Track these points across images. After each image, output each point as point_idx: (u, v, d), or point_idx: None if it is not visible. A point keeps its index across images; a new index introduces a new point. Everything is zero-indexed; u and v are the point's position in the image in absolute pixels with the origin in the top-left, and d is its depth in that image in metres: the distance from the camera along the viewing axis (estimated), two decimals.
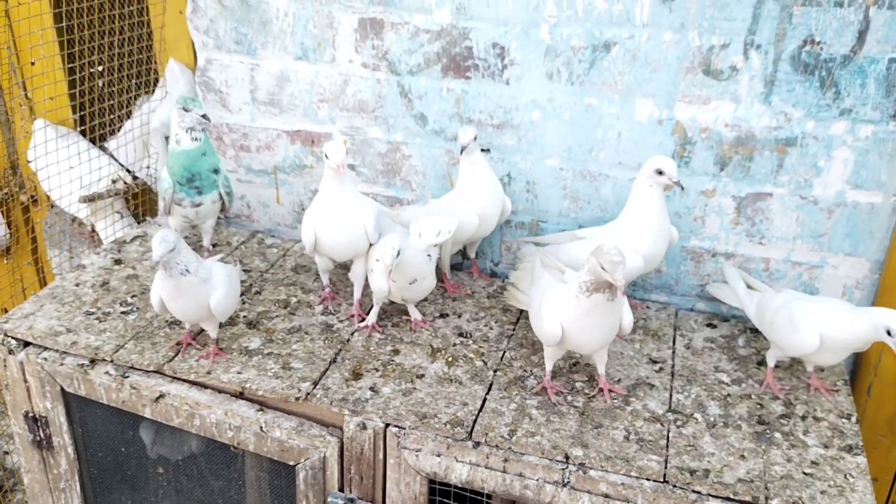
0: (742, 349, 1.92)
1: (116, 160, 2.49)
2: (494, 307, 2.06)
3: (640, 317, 2.02)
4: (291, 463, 1.73)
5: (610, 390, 1.73)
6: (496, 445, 1.59)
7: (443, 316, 2.00)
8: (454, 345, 1.89)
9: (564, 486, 1.54)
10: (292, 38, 2.17)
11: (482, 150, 2.12)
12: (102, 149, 2.51)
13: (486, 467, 1.58)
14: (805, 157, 1.87)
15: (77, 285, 2.09)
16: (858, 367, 1.99)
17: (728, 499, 1.48)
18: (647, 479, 1.51)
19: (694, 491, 1.49)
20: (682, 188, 1.85)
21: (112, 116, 2.47)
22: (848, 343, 1.64)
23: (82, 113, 2.40)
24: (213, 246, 2.26)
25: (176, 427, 1.79)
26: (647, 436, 1.61)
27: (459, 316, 2.01)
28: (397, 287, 1.83)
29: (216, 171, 2.04)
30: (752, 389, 1.76)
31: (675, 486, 1.50)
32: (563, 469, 1.54)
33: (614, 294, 1.55)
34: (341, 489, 1.73)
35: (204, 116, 1.95)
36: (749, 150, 1.91)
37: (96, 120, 2.41)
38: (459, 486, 1.62)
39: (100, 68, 2.31)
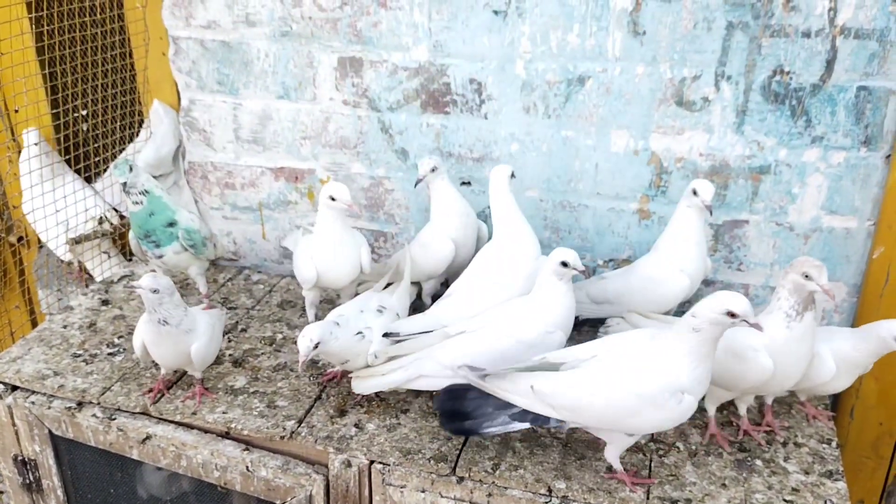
0: None
1: (104, 200, 2.51)
2: None
3: None
4: (278, 502, 1.74)
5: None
6: (479, 480, 1.60)
7: None
8: None
9: None
10: (273, 78, 2.20)
11: (463, 182, 2.15)
12: (92, 189, 2.53)
13: (470, 502, 1.60)
14: (779, 185, 1.90)
15: (65, 327, 2.11)
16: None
17: None
18: None
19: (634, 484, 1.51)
20: (711, 213, 1.79)
21: (98, 158, 2.49)
22: (859, 362, 1.67)
23: (68, 157, 2.43)
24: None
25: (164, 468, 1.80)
26: (630, 466, 1.62)
27: None
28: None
29: (172, 225, 2.03)
30: (733, 416, 1.78)
31: None
32: (547, 502, 1.55)
33: (816, 308, 1.54)
34: None
35: (122, 185, 1.94)
36: (724, 178, 1.93)
37: (81, 163, 2.43)
38: None
39: (84, 112, 2.33)
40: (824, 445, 1.69)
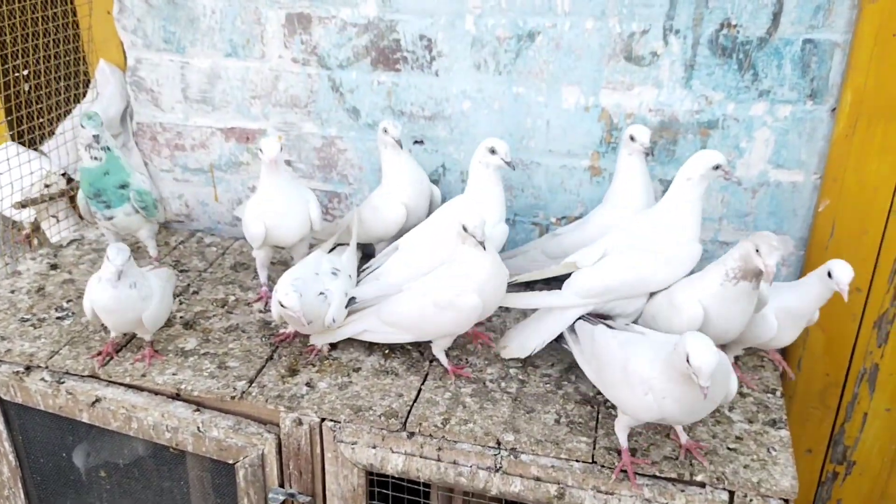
0: None
1: (50, 162, 2.45)
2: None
3: None
4: (231, 461, 1.74)
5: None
6: (430, 435, 1.61)
7: None
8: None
9: (497, 471, 1.57)
10: (221, 35, 2.16)
11: (416, 141, 2.13)
12: (39, 152, 2.47)
13: (420, 457, 1.61)
14: (727, 139, 1.91)
15: (12, 292, 2.07)
16: None
17: (654, 476, 1.52)
18: (577, 461, 1.55)
19: (621, 470, 1.53)
20: (651, 154, 1.82)
21: (43, 119, 2.44)
22: (805, 313, 1.70)
23: (9, 118, 2.37)
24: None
25: (114, 431, 1.79)
26: (578, 418, 1.64)
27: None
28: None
29: (124, 187, 2.00)
30: None
31: (602, 467, 1.54)
32: (496, 455, 1.57)
33: (757, 282, 1.55)
34: (281, 485, 1.74)
35: (95, 137, 1.92)
36: (673, 133, 1.94)
37: (25, 124, 2.37)
38: (396, 476, 1.64)
39: (25, 72, 2.27)
40: (769, 395, 1.73)
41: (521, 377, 1.77)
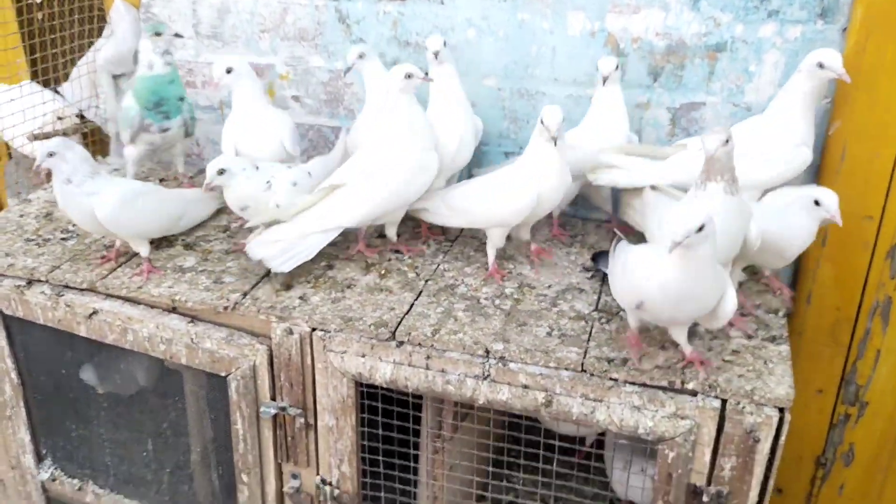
0: None
1: (64, 101, 2.49)
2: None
3: (578, 232, 2.02)
4: (223, 374, 1.74)
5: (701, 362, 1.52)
6: (419, 343, 1.59)
7: (381, 236, 2.00)
8: (389, 260, 1.89)
9: (485, 378, 1.54)
10: None
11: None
12: (56, 92, 2.51)
13: (409, 365, 1.59)
14: (735, 63, 1.87)
15: (21, 216, 2.10)
16: (798, 274, 1.98)
17: (643, 384, 1.48)
18: (566, 369, 1.51)
19: (611, 378, 1.49)
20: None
21: (58, 62, 2.47)
22: (787, 240, 1.62)
23: (34, 56, 2.41)
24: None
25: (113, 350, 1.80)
26: (570, 332, 1.61)
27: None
28: (230, 205, 1.86)
29: (182, 99, 2.06)
30: None
31: (591, 375, 1.50)
32: (484, 363, 1.54)
33: (732, 183, 1.46)
34: (273, 398, 1.73)
35: (176, 34, 2.03)
36: (680, 58, 1.90)
37: (39, 65, 2.41)
38: (385, 386, 1.62)
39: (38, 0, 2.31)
40: (771, 315, 1.67)
41: (516, 296, 1.74)
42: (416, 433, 1.76)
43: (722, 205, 1.48)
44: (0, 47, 2.39)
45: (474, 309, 1.69)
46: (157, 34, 1.97)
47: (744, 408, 1.43)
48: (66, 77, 2.52)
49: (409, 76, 1.74)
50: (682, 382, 1.46)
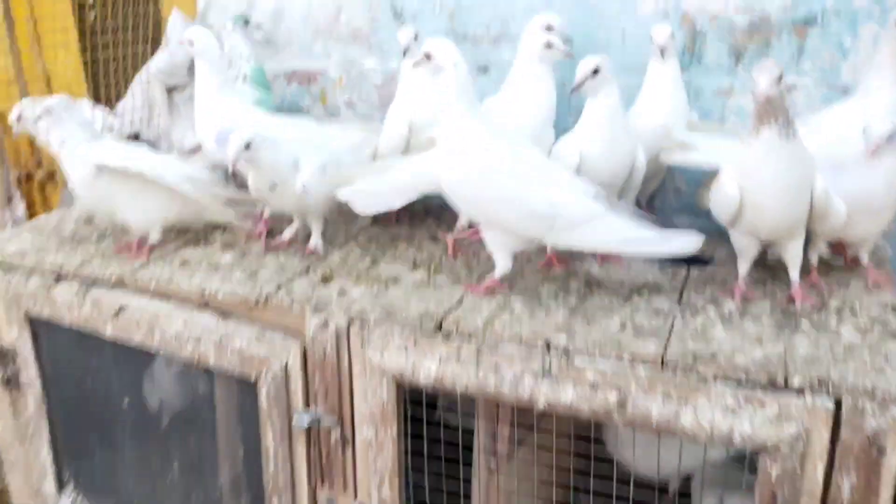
0: (768, 260, 1.65)
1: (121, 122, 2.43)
2: None
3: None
4: (253, 378, 1.56)
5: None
6: (468, 335, 1.38)
7: (433, 239, 1.82)
8: (442, 259, 1.71)
9: (545, 376, 1.32)
10: None
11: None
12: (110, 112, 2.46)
13: (457, 361, 1.38)
14: (828, 38, 1.66)
15: (60, 220, 2.01)
16: None
17: (738, 381, 1.23)
18: (643, 363, 1.28)
19: (698, 374, 1.25)
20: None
21: (117, 79, 2.43)
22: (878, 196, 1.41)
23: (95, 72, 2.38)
24: None
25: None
26: (647, 326, 1.38)
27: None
28: (254, 189, 1.67)
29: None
30: (779, 290, 1.51)
31: (674, 370, 1.26)
32: (544, 357, 1.32)
33: (786, 126, 1.28)
34: (307, 405, 1.54)
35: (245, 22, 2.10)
36: (765, 36, 1.70)
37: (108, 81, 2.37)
38: (430, 388, 1.41)
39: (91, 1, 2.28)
40: (891, 312, 1.41)
41: (582, 291, 1.52)
42: (469, 450, 1.54)
43: (779, 152, 1.29)
44: (63, 69, 2.37)
45: (534, 303, 1.47)
46: (247, 23, 2.02)
47: (864, 408, 1.16)
48: (118, 98, 2.47)
49: (549, 46, 1.58)
50: (786, 378, 1.21)
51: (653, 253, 1.46)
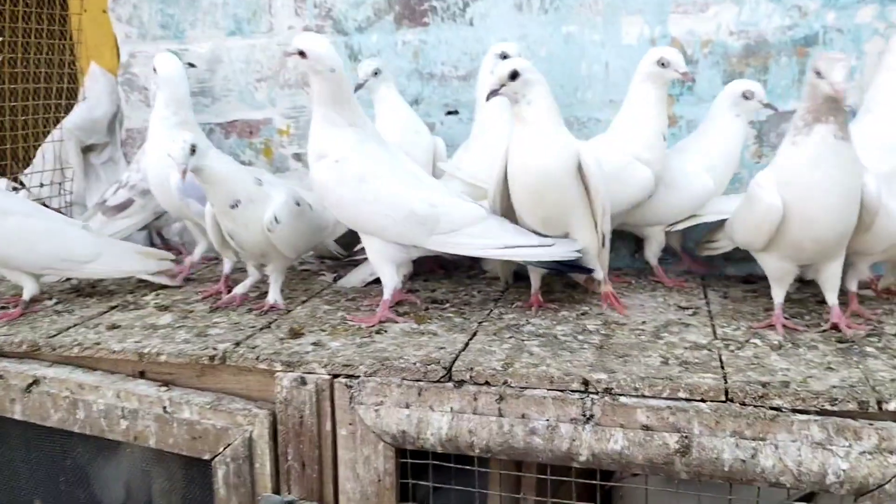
0: (794, 294, 1.49)
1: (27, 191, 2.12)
2: (476, 280, 1.66)
3: (656, 279, 1.62)
4: (207, 456, 1.24)
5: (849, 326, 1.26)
6: (486, 382, 1.13)
7: (410, 291, 1.59)
8: (426, 309, 1.47)
9: (587, 421, 1.08)
10: (224, 11, 1.91)
11: (449, 112, 1.81)
12: (14, 179, 2.16)
13: (473, 413, 1.12)
14: None
15: None
16: None
17: (822, 411, 1.02)
18: (703, 400, 1.06)
19: (772, 408, 1.04)
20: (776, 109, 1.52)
21: (17, 145, 2.13)
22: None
23: None
24: None
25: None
26: (693, 359, 1.17)
27: (433, 291, 1.60)
28: (217, 211, 1.44)
29: None
30: (821, 320, 1.34)
31: (743, 404, 1.05)
32: (582, 399, 1.09)
33: (841, 124, 1.15)
34: (276, 490, 1.23)
35: (190, 64, 1.85)
36: (763, 59, 1.61)
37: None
38: (439, 449, 1.14)
39: None
40: None
41: (603, 332, 1.31)
42: None
43: (834, 154, 1.16)
44: None
45: (553, 344, 1.25)
46: (191, 65, 1.85)
47: None
48: (26, 162, 2.18)
49: (663, 64, 1.42)
50: (880, 402, 1.01)
51: (535, 257, 1.35)
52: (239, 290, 1.53)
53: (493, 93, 1.32)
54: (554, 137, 1.31)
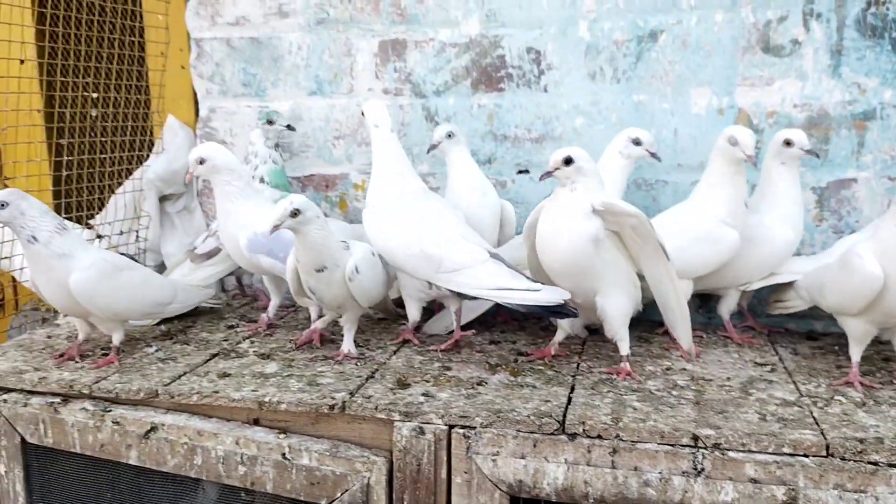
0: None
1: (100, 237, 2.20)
2: (549, 332, 1.74)
3: (722, 335, 1.71)
4: (323, 502, 1.31)
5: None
6: (598, 436, 1.22)
7: (493, 343, 1.67)
8: (515, 360, 1.55)
9: (698, 474, 1.16)
10: (306, 72, 2.01)
11: (520, 171, 1.91)
12: (89, 227, 2.23)
13: (588, 464, 1.20)
14: (888, 131, 1.69)
15: (49, 337, 1.74)
16: None
17: None
18: (806, 455, 1.15)
19: (870, 462, 1.13)
20: (818, 155, 1.65)
21: (93, 196, 2.20)
22: None
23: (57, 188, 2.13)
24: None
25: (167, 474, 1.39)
26: (788, 415, 1.26)
27: (514, 343, 1.69)
28: (302, 270, 1.52)
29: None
30: (892, 378, 1.43)
31: (843, 458, 1.13)
32: (693, 453, 1.17)
33: None
34: None
35: (289, 126, 1.96)
36: (824, 130, 1.72)
37: (73, 197, 2.13)
38: (554, 497, 1.22)
39: (94, 95, 2.09)
40: None
41: (693, 387, 1.40)
42: None
43: None
44: (36, 188, 2.11)
45: (651, 399, 1.33)
46: (270, 122, 1.92)
47: None
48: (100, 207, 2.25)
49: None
50: None
51: (524, 300, 1.42)
52: (319, 324, 1.61)
53: (547, 174, 1.42)
54: (576, 223, 1.40)
